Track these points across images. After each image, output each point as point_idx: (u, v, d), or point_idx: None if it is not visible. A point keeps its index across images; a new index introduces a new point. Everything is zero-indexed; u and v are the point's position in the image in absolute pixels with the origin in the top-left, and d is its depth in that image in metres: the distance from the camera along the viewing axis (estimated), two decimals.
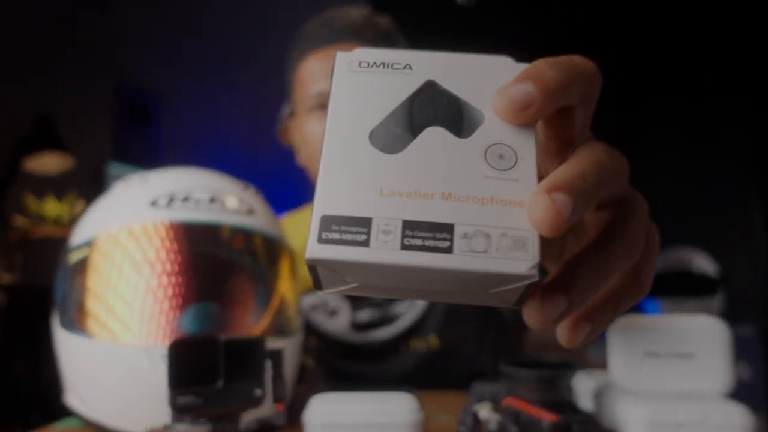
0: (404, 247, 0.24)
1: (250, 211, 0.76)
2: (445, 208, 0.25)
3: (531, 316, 0.25)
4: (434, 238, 0.24)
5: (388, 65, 0.28)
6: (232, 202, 0.76)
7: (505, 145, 0.26)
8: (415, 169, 0.26)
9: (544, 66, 0.26)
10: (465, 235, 0.24)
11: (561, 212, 0.23)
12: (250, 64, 3.26)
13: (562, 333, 0.27)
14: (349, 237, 0.24)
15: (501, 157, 0.26)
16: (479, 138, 0.26)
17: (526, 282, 0.24)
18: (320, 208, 0.25)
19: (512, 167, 0.26)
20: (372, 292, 0.27)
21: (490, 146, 0.26)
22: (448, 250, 0.24)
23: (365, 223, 0.24)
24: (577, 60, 0.28)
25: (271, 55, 2.73)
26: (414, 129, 0.27)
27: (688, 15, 3.30)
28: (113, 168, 2.88)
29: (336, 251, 0.24)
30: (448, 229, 0.24)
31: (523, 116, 0.26)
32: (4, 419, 2.19)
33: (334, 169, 0.26)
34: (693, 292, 3.18)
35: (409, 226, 0.24)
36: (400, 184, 0.25)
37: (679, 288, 3.21)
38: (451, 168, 0.26)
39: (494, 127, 0.26)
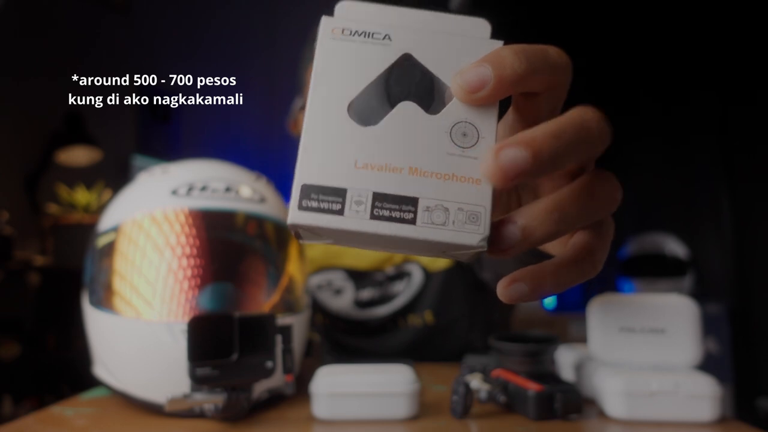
0: (373, 216, 0.24)
1: (262, 200, 0.76)
2: (411, 182, 0.25)
3: (491, 249, 0.25)
4: (400, 210, 0.25)
5: (369, 35, 0.27)
6: (245, 191, 0.75)
7: (469, 123, 0.26)
8: (386, 143, 0.26)
9: (507, 53, 0.26)
10: (427, 209, 0.25)
11: (504, 168, 0.23)
12: (260, 70, 3.24)
13: (498, 286, 0.26)
14: (326, 206, 0.25)
15: (464, 135, 0.26)
16: (446, 115, 0.26)
17: (476, 251, 0.25)
18: (301, 177, 0.25)
19: (473, 145, 0.26)
20: (345, 245, 0.27)
21: (456, 124, 0.26)
22: (412, 222, 0.24)
23: (341, 193, 0.25)
24: (549, 51, 0.27)
25: (279, 61, 2.71)
26: (389, 101, 0.27)
27: (665, 17, 3.28)
28: (137, 160, 2.87)
29: (314, 218, 0.25)
30: (412, 202, 0.25)
31: (474, 98, 0.26)
32: (38, 390, 2.20)
33: (315, 139, 0.26)
34: (665, 273, 3.18)
35: (378, 198, 0.25)
36: (372, 157, 0.25)
37: (653, 269, 3.21)
38: (419, 144, 0.26)
39: (460, 105, 0.26)
